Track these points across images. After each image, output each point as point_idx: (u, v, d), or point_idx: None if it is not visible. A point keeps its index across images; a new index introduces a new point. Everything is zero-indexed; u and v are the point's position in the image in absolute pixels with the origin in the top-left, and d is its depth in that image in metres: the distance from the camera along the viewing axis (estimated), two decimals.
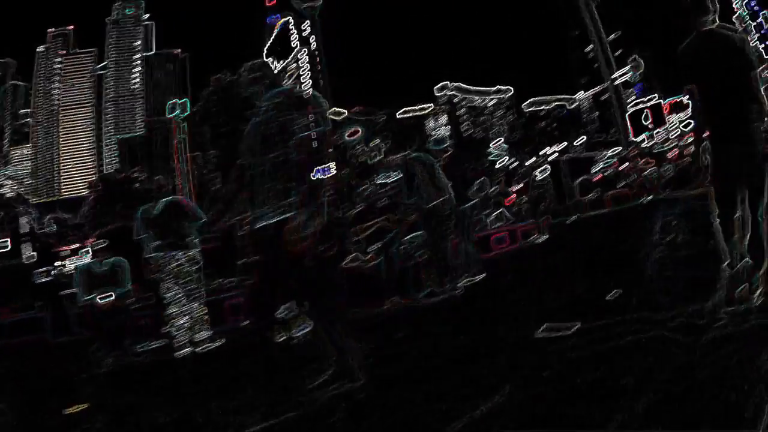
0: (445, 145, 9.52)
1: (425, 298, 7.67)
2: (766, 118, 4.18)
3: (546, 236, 14.05)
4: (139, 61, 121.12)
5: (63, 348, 10.42)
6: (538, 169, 25.87)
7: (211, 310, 9.21)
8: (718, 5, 4.41)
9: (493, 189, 14.61)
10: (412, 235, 8.56)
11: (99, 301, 9.23)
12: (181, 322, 7.62)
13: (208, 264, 10.98)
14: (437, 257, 7.72)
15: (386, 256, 7.95)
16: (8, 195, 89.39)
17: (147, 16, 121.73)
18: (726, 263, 4.33)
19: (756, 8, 33.83)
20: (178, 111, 64.74)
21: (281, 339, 6.80)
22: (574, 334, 4.26)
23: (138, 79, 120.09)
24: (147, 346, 8.94)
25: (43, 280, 17.89)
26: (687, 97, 4.66)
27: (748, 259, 4.26)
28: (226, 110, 51.51)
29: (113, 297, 9.27)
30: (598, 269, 7.49)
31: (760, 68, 4.41)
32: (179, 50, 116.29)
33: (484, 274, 8.70)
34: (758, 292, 4.13)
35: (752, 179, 4.14)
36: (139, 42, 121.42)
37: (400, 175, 7.95)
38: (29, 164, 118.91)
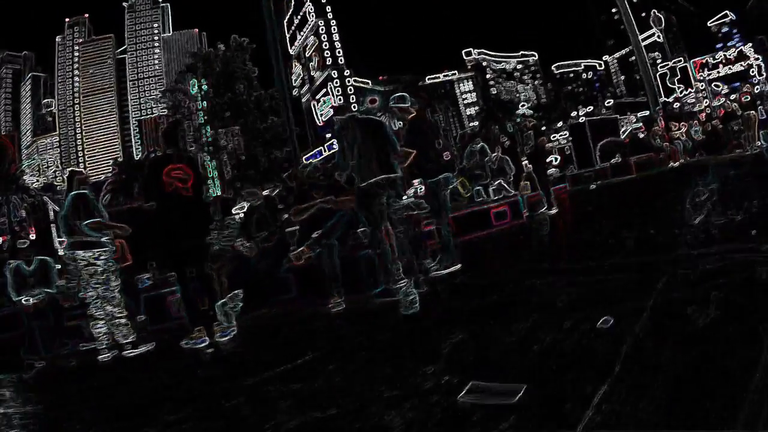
0: (408, 104, 7.44)
1: (379, 297, 5.96)
2: None
3: (555, 209, 12.25)
4: (158, 43, 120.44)
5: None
6: (558, 133, 23.80)
7: (155, 307, 8.88)
8: None
9: (494, 155, 12.71)
10: None
11: (23, 302, 8.88)
12: (100, 325, 6.86)
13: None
14: (380, 249, 6.01)
15: (327, 247, 6.27)
16: (35, 184, 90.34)
17: None
18: None
19: None
20: (196, 88, 64.08)
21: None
22: None
23: (158, 61, 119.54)
24: (72, 349, 8.32)
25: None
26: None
27: None
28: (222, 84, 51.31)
29: (37, 298, 8.94)
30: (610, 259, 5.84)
31: None
32: (196, 29, 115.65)
33: (459, 266, 7.00)
34: None
35: None
36: (157, 24, 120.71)
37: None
38: (55, 152, 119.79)
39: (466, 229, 9.17)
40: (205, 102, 60.61)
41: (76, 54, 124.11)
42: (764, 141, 17.46)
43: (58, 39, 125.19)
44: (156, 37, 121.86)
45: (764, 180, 10.70)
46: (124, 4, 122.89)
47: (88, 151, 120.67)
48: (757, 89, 27.53)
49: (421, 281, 6.20)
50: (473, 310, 4.74)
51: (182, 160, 6.46)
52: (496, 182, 12.28)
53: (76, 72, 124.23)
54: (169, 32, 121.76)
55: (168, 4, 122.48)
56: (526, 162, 13.72)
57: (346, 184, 7.12)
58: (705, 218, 6.99)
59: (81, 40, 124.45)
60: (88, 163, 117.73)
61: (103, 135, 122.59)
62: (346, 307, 6.06)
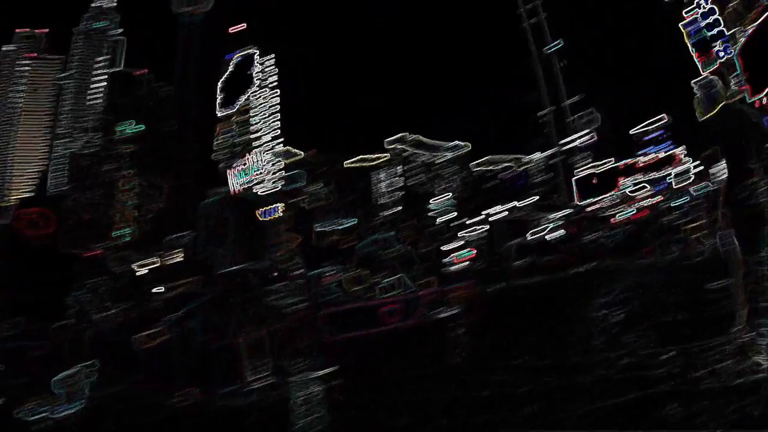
0: (297, 184, 7.25)
1: (228, 397, 5.57)
2: None
3: (456, 309, 12.15)
4: (100, 77, 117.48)
5: None
6: (472, 229, 24.19)
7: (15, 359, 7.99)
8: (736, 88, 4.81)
9: (398, 247, 12.63)
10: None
11: None
12: None
13: None
14: (237, 342, 5.69)
15: (181, 332, 5.91)
16: None
17: (120, 31, 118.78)
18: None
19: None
20: (122, 130, 63.54)
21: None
22: None
23: (97, 95, 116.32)
24: None
25: None
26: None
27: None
28: None
29: None
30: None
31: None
32: (145, 69, 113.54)
33: (335, 367, 6.68)
34: None
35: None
36: (103, 57, 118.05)
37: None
38: None
39: (349, 327, 8.85)
40: (130, 145, 59.98)
41: (24, 68, 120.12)
42: (675, 246, 18.06)
43: (7, 48, 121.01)
44: (100, 70, 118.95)
45: (671, 287, 10.92)
46: (75, 29, 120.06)
47: (16, 171, 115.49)
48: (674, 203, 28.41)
49: (282, 384, 5.84)
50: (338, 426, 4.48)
51: (44, 205, 6.15)
52: (397, 276, 12.14)
53: (21, 87, 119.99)
54: (120, 66, 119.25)
55: (125, 38, 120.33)
56: (435, 256, 13.75)
57: (211, 268, 6.87)
58: (606, 328, 7.03)
59: (34, 55, 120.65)
60: (14, 186, 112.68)
61: (34, 158, 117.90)
62: (193, 402, 5.65)
